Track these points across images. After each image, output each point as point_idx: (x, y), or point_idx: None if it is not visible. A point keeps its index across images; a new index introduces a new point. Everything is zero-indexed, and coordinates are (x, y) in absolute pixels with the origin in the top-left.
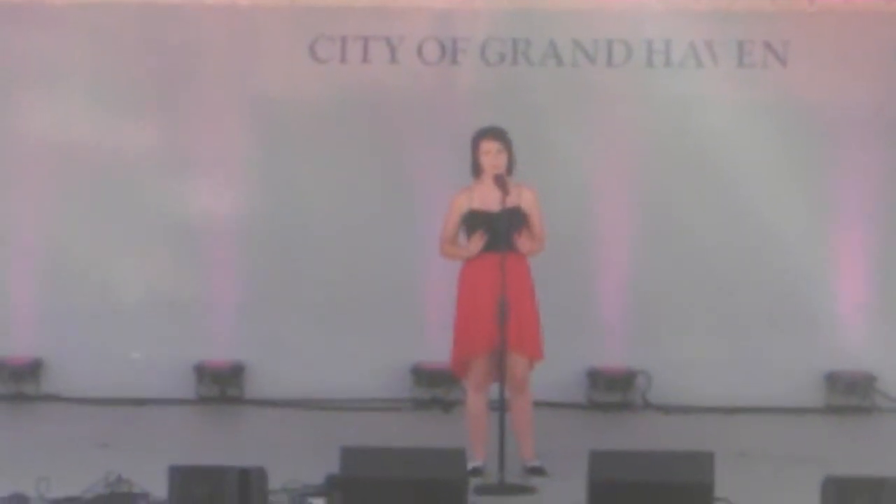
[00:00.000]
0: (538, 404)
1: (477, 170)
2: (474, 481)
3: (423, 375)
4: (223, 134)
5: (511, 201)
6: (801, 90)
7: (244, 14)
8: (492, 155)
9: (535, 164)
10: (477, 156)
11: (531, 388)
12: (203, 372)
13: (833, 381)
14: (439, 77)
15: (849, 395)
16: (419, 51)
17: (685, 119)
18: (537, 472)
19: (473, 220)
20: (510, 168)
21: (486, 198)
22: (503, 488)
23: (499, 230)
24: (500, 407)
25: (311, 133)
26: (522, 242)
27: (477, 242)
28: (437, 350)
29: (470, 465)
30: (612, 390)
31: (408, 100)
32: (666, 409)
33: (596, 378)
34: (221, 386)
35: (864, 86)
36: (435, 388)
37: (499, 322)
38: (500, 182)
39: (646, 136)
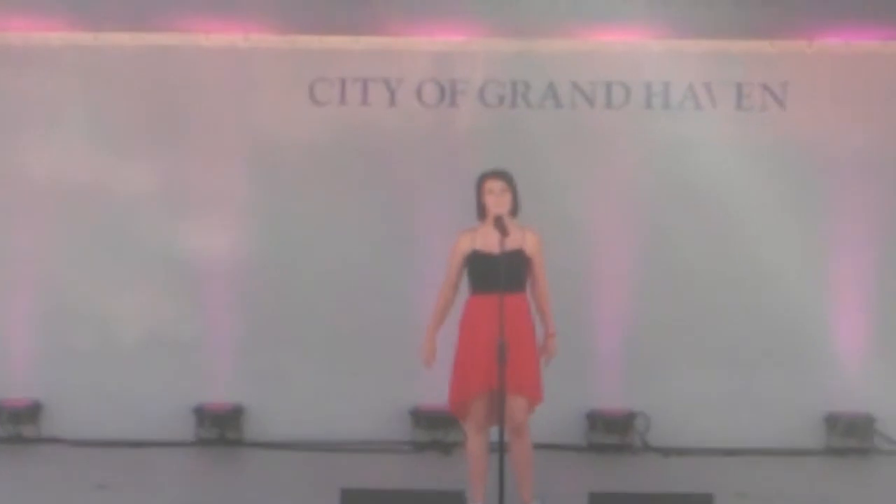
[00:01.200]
0: (537, 446)
1: (482, 211)
2: None
3: (423, 418)
4: (222, 174)
5: (513, 243)
6: (800, 131)
7: (243, 55)
8: (495, 194)
9: (534, 205)
10: (481, 196)
11: (530, 429)
12: (202, 414)
13: (832, 422)
14: (438, 119)
15: (848, 436)
16: (418, 93)
17: (684, 160)
18: None
19: (475, 262)
20: (515, 210)
21: (489, 239)
22: None
23: (498, 272)
24: (499, 449)
25: (310, 174)
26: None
27: (428, 354)
28: (437, 392)
29: None
30: (611, 432)
31: (407, 141)
32: (665, 451)
33: (595, 420)
34: (221, 428)
35: (862, 126)
36: (434, 430)
37: (498, 363)
38: (499, 224)
39: (644, 177)
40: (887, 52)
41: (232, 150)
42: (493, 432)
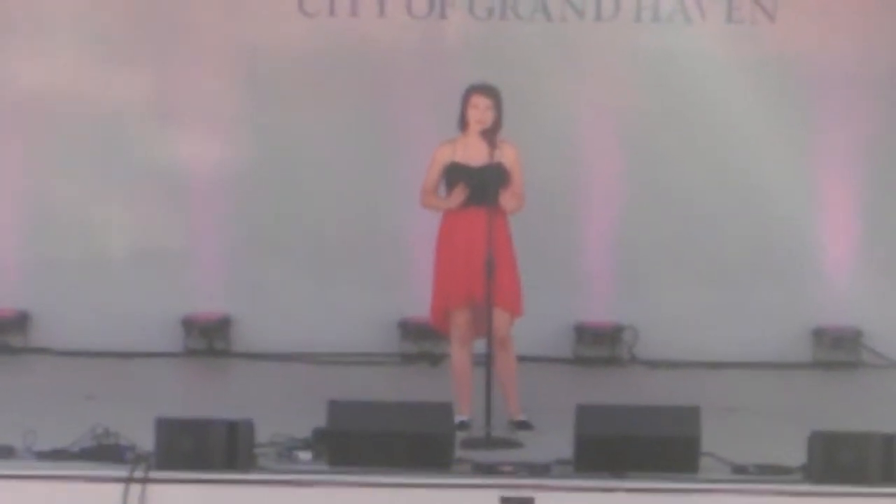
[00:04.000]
0: (525, 359)
1: (463, 123)
2: (461, 435)
3: (411, 329)
4: (211, 85)
5: (494, 157)
6: (789, 45)
7: None
8: (479, 110)
9: (522, 117)
10: (465, 109)
11: (517, 342)
12: (190, 325)
13: (820, 336)
14: (427, 31)
15: (835, 350)
16: (408, 4)
17: (673, 74)
18: (523, 426)
19: (455, 173)
20: (496, 128)
21: (470, 151)
22: (490, 442)
23: (486, 184)
24: (486, 362)
25: (300, 85)
26: (507, 200)
27: (458, 195)
28: (425, 304)
29: (457, 419)
30: (599, 345)
31: (396, 53)
32: (652, 364)
33: (582, 333)
34: (209, 339)
35: (851, 39)
36: (422, 341)
37: (485, 277)
38: (488, 136)
39: (633, 90)
40: None
41: (220, 60)
42: (479, 346)
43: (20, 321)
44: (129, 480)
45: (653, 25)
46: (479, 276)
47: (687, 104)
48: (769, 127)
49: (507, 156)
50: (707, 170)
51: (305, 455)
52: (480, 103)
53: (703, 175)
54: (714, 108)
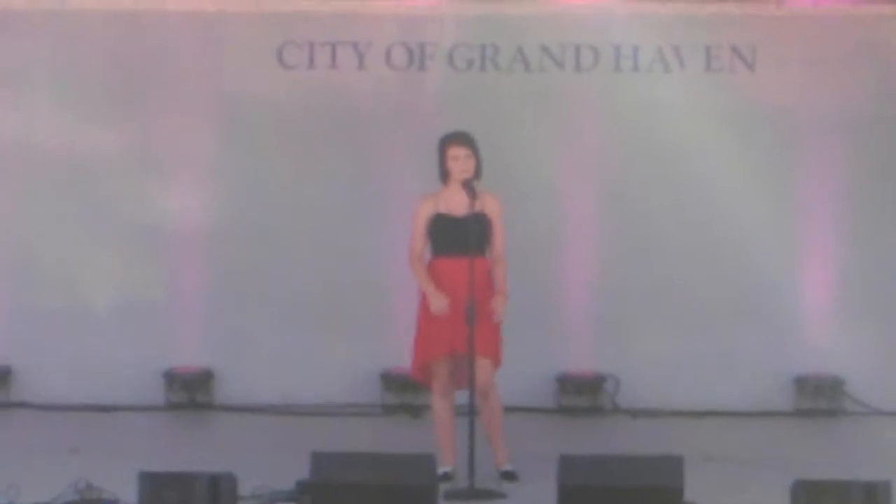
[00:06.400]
0: (508, 409)
1: (445, 175)
2: (444, 486)
3: (392, 381)
4: (191, 138)
5: (476, 207)
6: (769, 94)
7: (211, 20)
8: (460, 160)
9: (502, 168)
10: (444, 161)
11: (501, 393)
12: (172, 378)
13: (801, 384)
14: (407, 82)
15: (817, 398)
16: (387, 56)
17: (653, 123)
18: (509, 476)
19: (440, 225)
20: (478, 173)
21: (452, 202)
22: (473, 493)
23: (468, 234)
24: (468, 412)
25: (280, 138)
26: (499, 303)
27: (441, 302)
28: (407, 355)
29: (440, 471)
30: (581, 395)
31: (376, 105)
32: (635, 413)
33: (565, 382)
34: (191, 392)
35: (831, 89)
36: (404, 393)
37: (467, 325)
38: (468, 187)
39: (613, 140)
40: (857, 14)
41: (200, 113)
42: (462, 396)
43: (1, 376)
44: None
45: (632, 75)
46: (461, 327)
47: (666, 153)
48: (748, 176)
49: (488, 205)
50: (687, 219)
51: None
52: (461, 153)
53: (683, 224)
54: (693, 157)
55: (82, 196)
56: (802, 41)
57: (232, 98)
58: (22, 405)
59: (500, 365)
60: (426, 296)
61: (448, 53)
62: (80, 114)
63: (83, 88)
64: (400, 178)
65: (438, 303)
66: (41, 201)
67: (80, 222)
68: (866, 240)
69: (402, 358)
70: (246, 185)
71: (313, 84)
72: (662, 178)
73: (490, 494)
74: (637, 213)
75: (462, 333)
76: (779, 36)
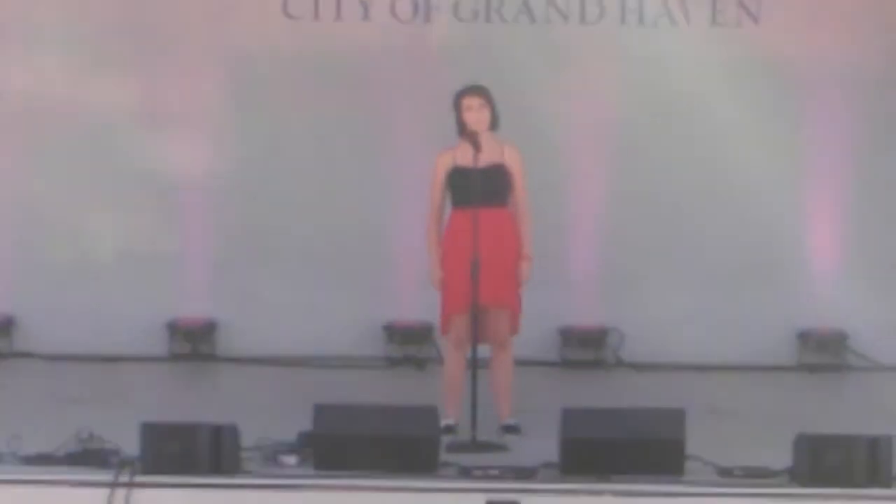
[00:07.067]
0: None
1: (461, 128)
2: (447, 439)
3: (396, 333)
4: (197, 90)
5: (491, 157)
6: (774, 47)
7: None
8: (474, 111)
9: (507, 120)
10: (460, 114)
11: None
12: (175, 329)
13: (805, 338)
14: (412, 34)
15: (821, 352)
16: (392, 8)
17: (658, 77)
18: (513, 430)
19: (455, 177)
20: (494, 124)
21: (468, 155)
22: (475, 445)
23: (474, 187)
24: (472, 365)
25: (285, 90)
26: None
27: (436, 274)
28: (411, 308)
29: (443, 423)
30: (585, 348)
31: (380, 57)
32: (638, 367)
33: (568, 336)
34: (193, 343)
35: (836, 42)
36: (408, 345)
37: (472, 280)
38: (473, 139)
39: (618, 93)
40: None
41: (205, 64)
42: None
43: (5, 325)
44: (114, 485)
45: (637, 28)
46: (484, 280)
47: (672, 107)
48: (754, 130)
49: (508, 156)
50: (693, 173)
51: (291, 459)
52: (474, 103)
53: (688, 178)
54: (699, 111)
55: (87, 148)
56: None
57: (237, 50)
58: (26, 355)
59: (520, 312)
60: (447, 241)
61: (453, 4)
62: (86, 67)
63: (89, 42)
64: (404, 130)
65: (434, 275)
66: (47, 154)
67: (86, 174)
68: (871, 194)
69: (406, 310)
70: (250, 137)
71: (318, 35)
72: (667, 131)
73: (493, 447)
74: (642, 167)
75: (481, 288)
76: None
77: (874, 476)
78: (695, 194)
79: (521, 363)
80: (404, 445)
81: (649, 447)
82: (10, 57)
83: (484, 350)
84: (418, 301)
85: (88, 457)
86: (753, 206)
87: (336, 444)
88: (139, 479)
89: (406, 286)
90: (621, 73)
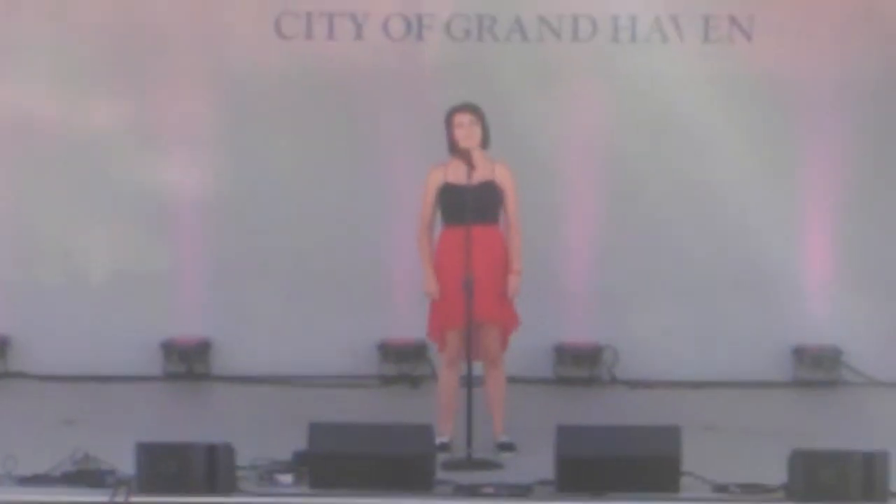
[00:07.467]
0: (506, 379)
1: (453, 145)
2: (442, 456)
3: (390, 351)
4: (189, 110)
5: (483, 175)
6: (767, 64)
7: None
8: (465, 127)
9: (500, 138)
10: (451, 130)
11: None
12: (170, 348)
13: (800, 354)
14: (405, 53)
15: (815, 368)
16: (384, 27)
17: (651, 94)
18: (507, 447)
19: (446, 194)
20: (485, 142)
21: (459, 172)
22: (471, 463)
23: (466, 204)
24: (468, 382)
25: (278, 109)
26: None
27: (432, 286)
28: (404, 326)
29: (438, 441)
30: (579, 365)
31: (373, 76)
32: (633, 384)
33: (563, 353)
34: (188, 362)
35: (829, 59)
36: (402, 363)
37: (465, 297)
38: (465, 156)
39: (611, 111)
40: None
41: (199, 84)
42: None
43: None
44: None
45: (630, 45)
46: (478, 297)
47: (664, 124)
48: (747, 147)
49: (499, 173)
50: (685, 189)
51: (286, 478)
52: (465, 120)
53: (681, 195)
54: (692, 128)
55: (81, 168)
56: (800, 10)
57: (230, 68)
58: (20, 375)
59: (517, 326)
60: (440, 257)
61: (446, 24)
62: (78, 85)
63: (81, 60)
64: (398, 148)
65: (429, 287)
66: (40, 174)
67: (79, 193)
68: (865, 210)
69: (399, 328)
70: (243, 156)
71: (311, 55)
72: (661, 148)
73: (488, 465)
74: (635, 184)
75: (476, 303)
76: (776, 5)
77: (869, 492)
78: (688, 211)
79: (516, 380)
80: (400, 464)
81: (645, 464)
82: (3, 77)
83: (478, 367)
84: (412, 319)
85: (84, 477)
86: (747, 222)
87: (332, 463)
88: (135, 499)
89: (400, 305)
90: (614, 90)
